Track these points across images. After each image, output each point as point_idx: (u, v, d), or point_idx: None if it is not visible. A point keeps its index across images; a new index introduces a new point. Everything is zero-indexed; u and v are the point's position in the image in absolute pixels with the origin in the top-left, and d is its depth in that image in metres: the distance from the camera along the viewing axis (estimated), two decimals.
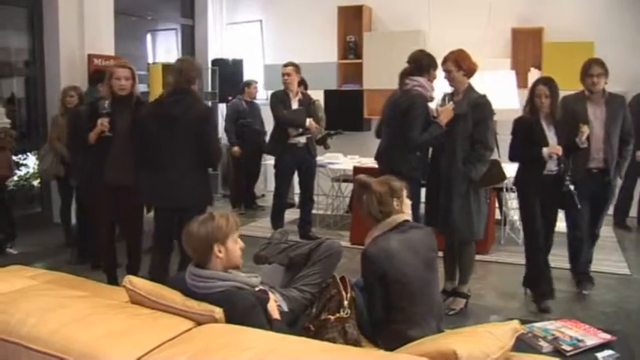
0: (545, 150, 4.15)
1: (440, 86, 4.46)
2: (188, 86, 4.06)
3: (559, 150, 4.13)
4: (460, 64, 4.09)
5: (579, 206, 4.24)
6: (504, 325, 1.95)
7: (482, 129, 4.06)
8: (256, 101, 7.75)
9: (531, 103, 4.23)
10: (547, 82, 4.20)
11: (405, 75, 4.42)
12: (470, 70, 4.13)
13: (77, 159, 4.96)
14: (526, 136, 4.23)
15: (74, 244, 5.64)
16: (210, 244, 2.47)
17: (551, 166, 4.23)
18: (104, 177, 4.20)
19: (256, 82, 7.80)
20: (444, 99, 4.29)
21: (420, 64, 4.33)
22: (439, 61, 4.26)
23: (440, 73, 4.33)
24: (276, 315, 2.52)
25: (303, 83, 6.33)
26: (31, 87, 6.82)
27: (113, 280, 4.39)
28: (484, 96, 4.12)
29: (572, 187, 4.19)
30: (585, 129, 4.15)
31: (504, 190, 6.03)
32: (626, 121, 4.49)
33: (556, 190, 4.24)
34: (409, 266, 2.82)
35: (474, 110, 4.05)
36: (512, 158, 4.40)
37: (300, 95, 6.04)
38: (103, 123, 4.17)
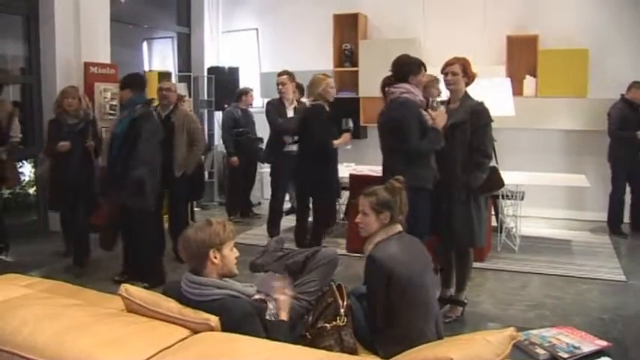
0: None
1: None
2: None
3: None
4: (467, 70, 4.08)
5: None
6: (501, 332, 1.94)
7: (480, 136, 4.01)
8: (251, 109, 7.76)
9: None
10: None
11: (385, 84, 4.21)
12: (472, 78, 4.13)
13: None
14: None
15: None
16: (206, 250, 2.48)
17: None
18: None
19: (252, 90, 7.80)
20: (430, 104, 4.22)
21: (400, 70, 4.14)
22: (440, 67, 4.17)
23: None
24: (284, 316, 2.58)
25: (300, 89, 6.34)
26: (27, 94, 6.80)
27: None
28: (482, 103, 4.08)
29: None
30: None
31: (500, 197, 6.04)
32: None
33: None
34: (410, 271, 2.87)
35: (473, 117, 4.01)
36: None
37: (295, 103, 6.06)
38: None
